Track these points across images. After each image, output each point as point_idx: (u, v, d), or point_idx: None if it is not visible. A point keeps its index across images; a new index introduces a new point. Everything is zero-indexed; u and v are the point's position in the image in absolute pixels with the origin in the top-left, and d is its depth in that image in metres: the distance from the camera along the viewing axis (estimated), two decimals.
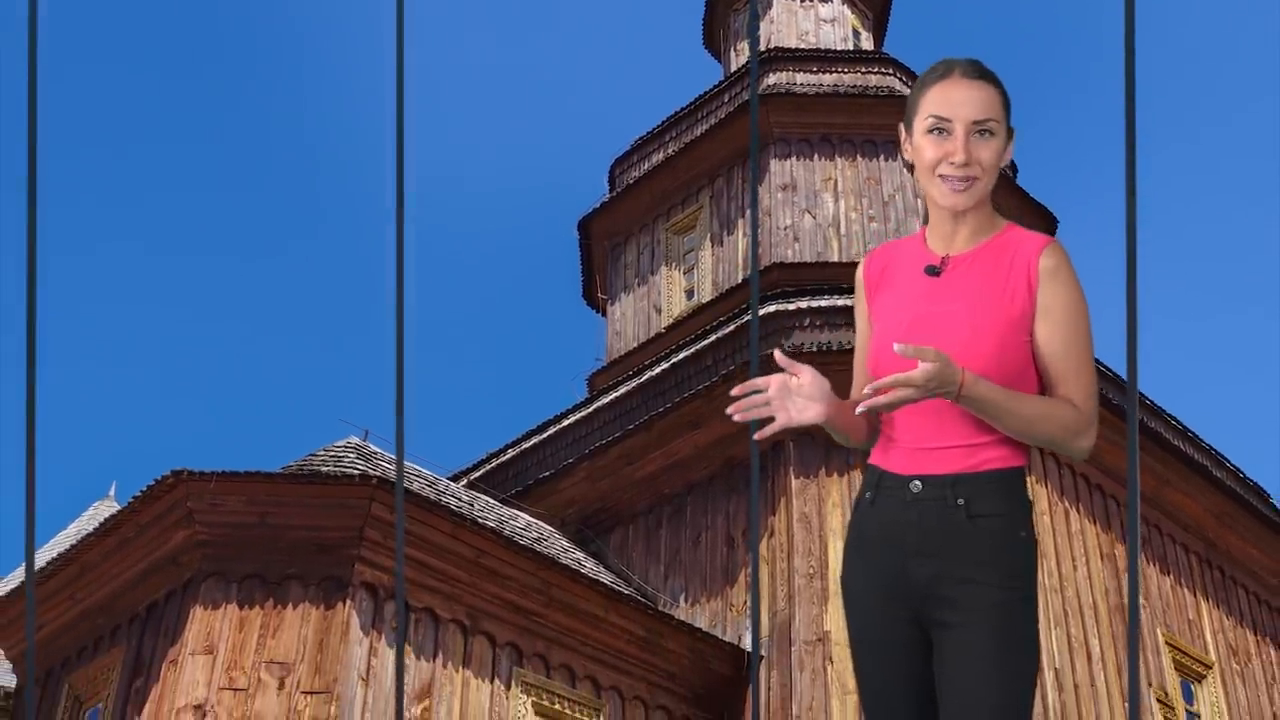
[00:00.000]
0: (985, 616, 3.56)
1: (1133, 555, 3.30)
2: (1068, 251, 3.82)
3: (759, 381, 3.70)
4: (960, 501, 3.65)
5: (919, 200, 22.82)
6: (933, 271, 3.87)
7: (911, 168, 3.98)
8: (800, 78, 24.17)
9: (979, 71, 3.86)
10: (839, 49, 25.97)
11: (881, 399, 3.49)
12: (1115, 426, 14.62)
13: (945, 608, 3.62)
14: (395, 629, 14.89)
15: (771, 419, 3.74)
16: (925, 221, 4.06)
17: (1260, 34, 63.62)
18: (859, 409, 3.63)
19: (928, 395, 3.48)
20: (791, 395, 3.72)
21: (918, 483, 3.70)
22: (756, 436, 3.82)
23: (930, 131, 3.82)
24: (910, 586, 3.67)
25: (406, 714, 14.56)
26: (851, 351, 15.64)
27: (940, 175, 3.81)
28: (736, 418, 3.76)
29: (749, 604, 17.55)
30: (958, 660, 3.58)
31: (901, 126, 4.00)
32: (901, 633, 3.71)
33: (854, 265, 20.67)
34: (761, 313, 19.20)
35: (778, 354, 3.84)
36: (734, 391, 3.72)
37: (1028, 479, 3.81)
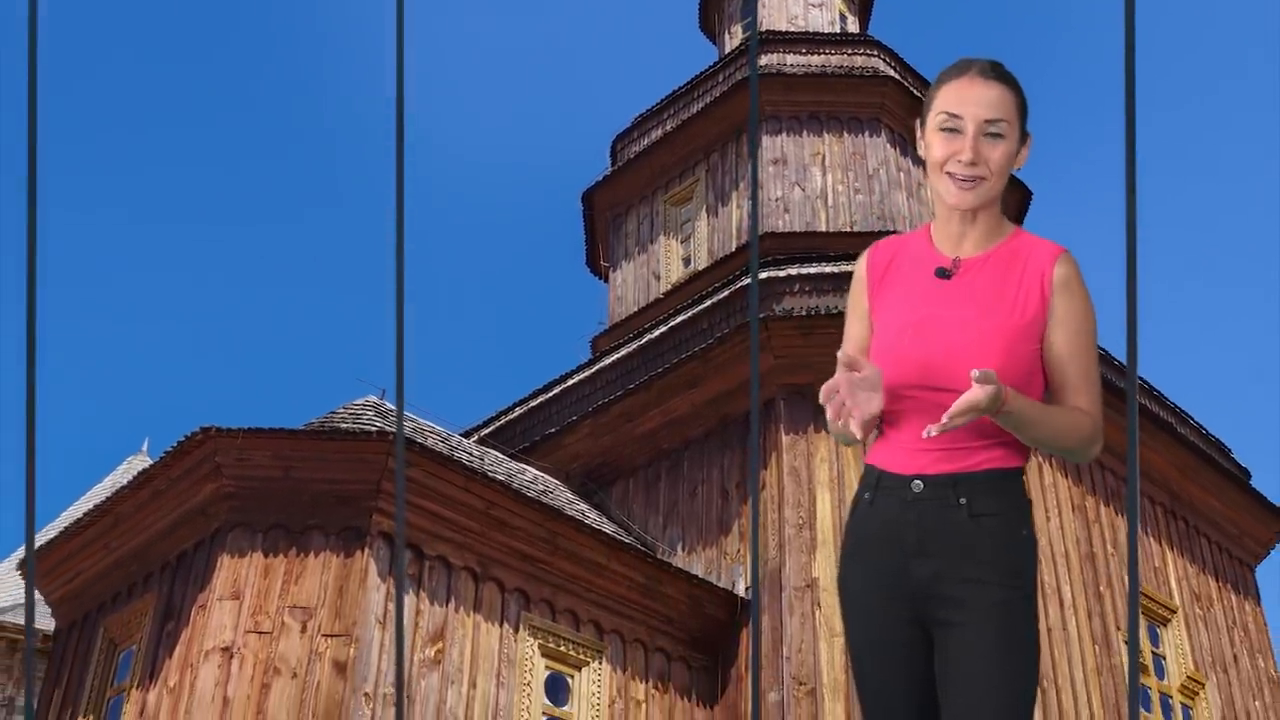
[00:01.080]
0: (987, 616, 3.39)
1: (1133, 560, 3.08)
2: (1078, 261, 3.65)
3: (829, 386, 3.44)
4: (961, 501, 3.48)
5: (902, 174, 22.83)
6: (944, 274, 3.67)
7: (925, 163, 3.80)
8: (790, 59, 24.15)
9: (995, 72, 3.67)
10: (826, 32, 26.01)
11: (956, 424, 3.30)
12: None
13: (947, 607, 3.45)
14: (411, 577, 14.86)
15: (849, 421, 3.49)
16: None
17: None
18: (930, 432, 3.35)
19: (979, 407, 3.28)
20: (855, 390, 3.45)
21: (919, 482, 3.52)
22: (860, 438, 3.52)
23: (941, 129, 3.64)
24: (911, 586, 3.49)
25: (420, 655, 14.55)
26: (837, 316, 15.47)
27: (948, 173, 3.63)
28: (839, 425, 3.48)
29: (744, 553, 17.51)
30: (960, 660, 3.41)
31: (918, 122, 3.82)
32: (902, 633, 3.53)
33: (841, 235, 20.80)
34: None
35: (842, 354, 3.46)
36: (821, 400, 3.45)
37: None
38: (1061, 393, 3.57)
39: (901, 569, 3.50)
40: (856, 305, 3.88)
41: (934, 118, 3.67)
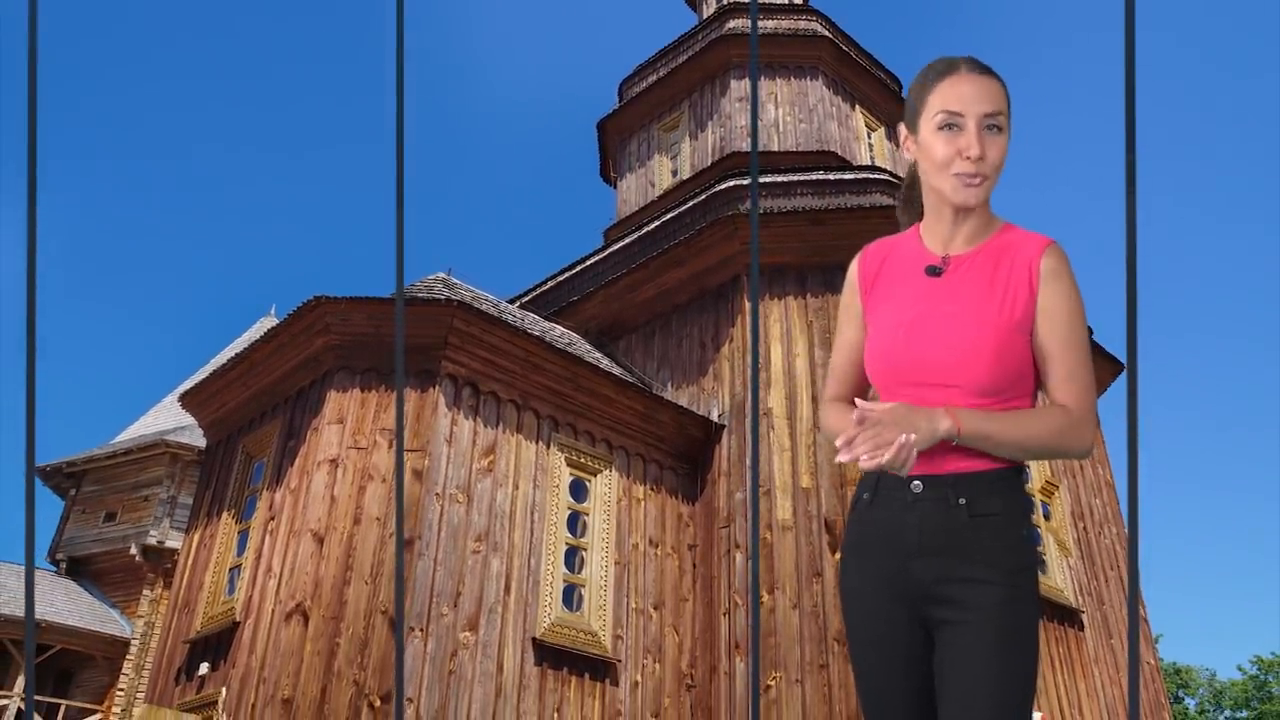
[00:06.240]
0: (988, 616, 2.65)
1: (1132, 551, 2.47)
2: (1067, 252, 2.83)
3: (848, 437, 2.63)
4: (961, 501, 2.72)
5: (834, 109, 22.45)
6: (934, 272, 2.88)
7: (914, 166, 2.99)
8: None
9: (982, 67, 2.84)
10: (780, 2, 25.57)
11: (883, 460, 2.53)
12: None
13: (948, 607, 2.71)
14: (470, 407, 14.63)
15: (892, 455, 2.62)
16: (919, 216, 3.01)
17: None
18: (844, 457, 2.55)
19: (922, 445, 2.56)
20: (880, 427, 2.60)
21: (919, 483, 2.75)
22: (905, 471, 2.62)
23: (941, 128, 2.81)
24: (912, 586, 2.74)
25: (477, 465, 14.42)
26: (787, 214, 14.76)
27: (954, 174, 2.80)
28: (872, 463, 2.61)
29: (717, 389, 17.27)
30: (960, 660, 2.66)
31: (902, 126, 2.96)
32: (902, 632, 2.77)
33: (788, 153, 20.36)
34: (724, 186, 18.98)
35: (860, 404, 2.62)
36: (841, 445, 2.64)
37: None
38: (1049, 383, 2.81)
39: (902, 570, 2.76)
40: (850, 308, 3.07)
41: (930, 119, 2.85)
